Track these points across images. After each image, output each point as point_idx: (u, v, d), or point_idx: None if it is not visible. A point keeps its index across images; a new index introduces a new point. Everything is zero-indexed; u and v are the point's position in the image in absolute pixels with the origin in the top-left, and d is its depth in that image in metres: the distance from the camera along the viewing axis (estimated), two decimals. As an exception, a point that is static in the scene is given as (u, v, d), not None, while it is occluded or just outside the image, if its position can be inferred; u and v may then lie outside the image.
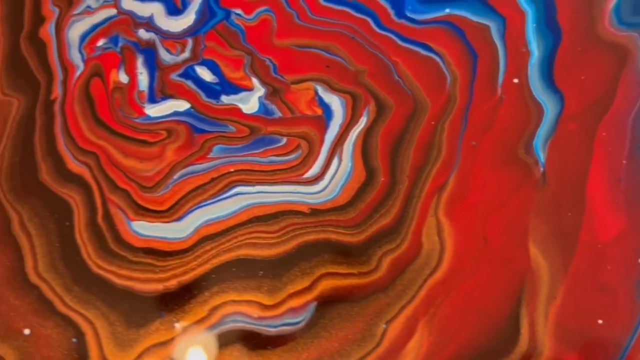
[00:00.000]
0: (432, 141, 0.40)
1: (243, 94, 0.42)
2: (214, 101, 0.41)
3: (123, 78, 0.42)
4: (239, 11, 0.44)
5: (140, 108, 0.41)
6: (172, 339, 0.35)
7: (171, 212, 0.38)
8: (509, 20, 0.44)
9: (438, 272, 0.36)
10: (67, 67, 0.43)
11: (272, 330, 0.35)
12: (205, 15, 0.44)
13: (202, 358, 0.35)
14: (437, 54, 0.43)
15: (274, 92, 0.42)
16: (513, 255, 0.37)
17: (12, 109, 0.41)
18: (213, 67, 0.42)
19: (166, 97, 0.42)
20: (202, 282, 0.36)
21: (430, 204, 0.38)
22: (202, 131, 0.41)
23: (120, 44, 0.43)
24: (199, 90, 0.42)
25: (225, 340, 0.35)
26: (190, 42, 0.43)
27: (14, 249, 0.37)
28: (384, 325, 0.35)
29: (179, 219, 0.38)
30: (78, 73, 0.43)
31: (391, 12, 0.44)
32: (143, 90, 0.42)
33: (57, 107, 0.41)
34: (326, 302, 0.36)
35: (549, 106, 0.40)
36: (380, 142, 0.40)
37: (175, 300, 0.36)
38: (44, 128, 0.41)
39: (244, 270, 0.37)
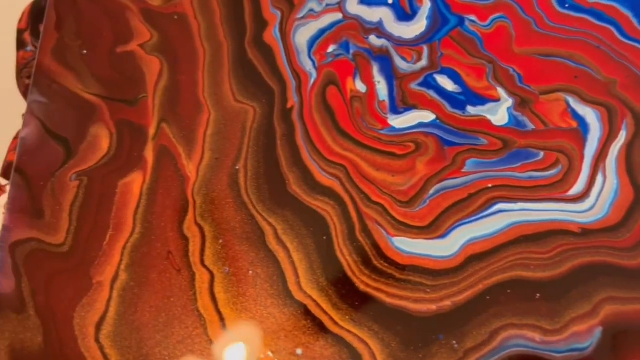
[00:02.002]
0: (701, 158, 0.40)
1: (490, 105, 0.42)
2: (459, 112, 0.42)
3: (360, 87, 0.43)
4: (472, 17, 0.45)
5: (383, 118, 0.42)
6: (455, 363, 0.35)
7: (432, 229, 0.38)
8: None
9: None
10: (299, 74, 0.43)
11: (558, 356, 0.35)
12: (437, 20, 0.45)
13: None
14: (690, 65, 0.42)
15: (522, 103, 0.42)
16: None
17: (248, 117, 0.42)
18: (454, 76, 0.43)
19: (408, 107, 0.42)
20: (477, 303, 0.37)
21: None
22: (452, 143, 0.41)
23: (351, 51, 0.44)
24: (442, 100, 0.42)
25: (509, 366, 0.35)
26: (425, 49, 0.44)
27: (272, 263, 0.38)
28: (677, 354, 0.35)
29: (442, 236, 0.38)
30: (312, 80, 0.43)
31: (634, 20, 0.44)
32: (383, 100, 0.42)
33: (295, 116, 0.42)
34: (612, 327, 0.36)
35: None
36: (645, 159, 0.40)
37: (452, 322, 0.36)
38: (285, 137, 0.41)
39: (519, 292, 0.37)
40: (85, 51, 0.45)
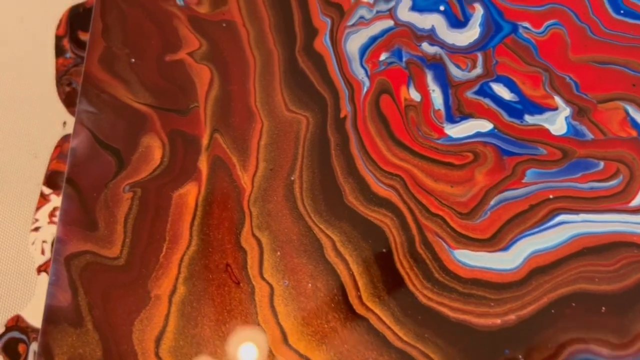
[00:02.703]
0: None
1: (548, 114, 0.41)
2: (517, 121, 0.41)
3: (415, 95, 0.42)
4: (526, 24, 0.44)
5: (439, 128, 0.41)
6: (522, 378, 0.35)
7: (494, 242, 0.38)
8: None
9: None
10: (351, 83, 0.43)
11: (627, 372, 0.35)
12: (491, 28, 0.44)
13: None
14: None
15: (580, 112, 0.41)
16: None
17: (302, 127, 0.42)
18: (510, 84, 0.42)
19: (465, 116, 0.42)
20: (542, 317, 0.36)
21: None
22: (511, 154, 0.40)
23: (404, 59, 0.43)
24: (499, 109, 0.42)
25: (577, 381, 0.35)
26: (480, 57, 0.43)
27: (332, 277, 0.38)
28: None
29: (504, 248, 0.38)
30: (365, 89, 0.43)
31: (692, 26, 0.43)
32: (439, 109, 0.42)
33: (349, 126, 0.42)
34: (681, 342, 0.35)
35: None
36: None
37: (517, 336, 0.36)
38: (339, 147, 0.41)
39: (584, 306, 0.36)
40: (133, 60, 0.45)
